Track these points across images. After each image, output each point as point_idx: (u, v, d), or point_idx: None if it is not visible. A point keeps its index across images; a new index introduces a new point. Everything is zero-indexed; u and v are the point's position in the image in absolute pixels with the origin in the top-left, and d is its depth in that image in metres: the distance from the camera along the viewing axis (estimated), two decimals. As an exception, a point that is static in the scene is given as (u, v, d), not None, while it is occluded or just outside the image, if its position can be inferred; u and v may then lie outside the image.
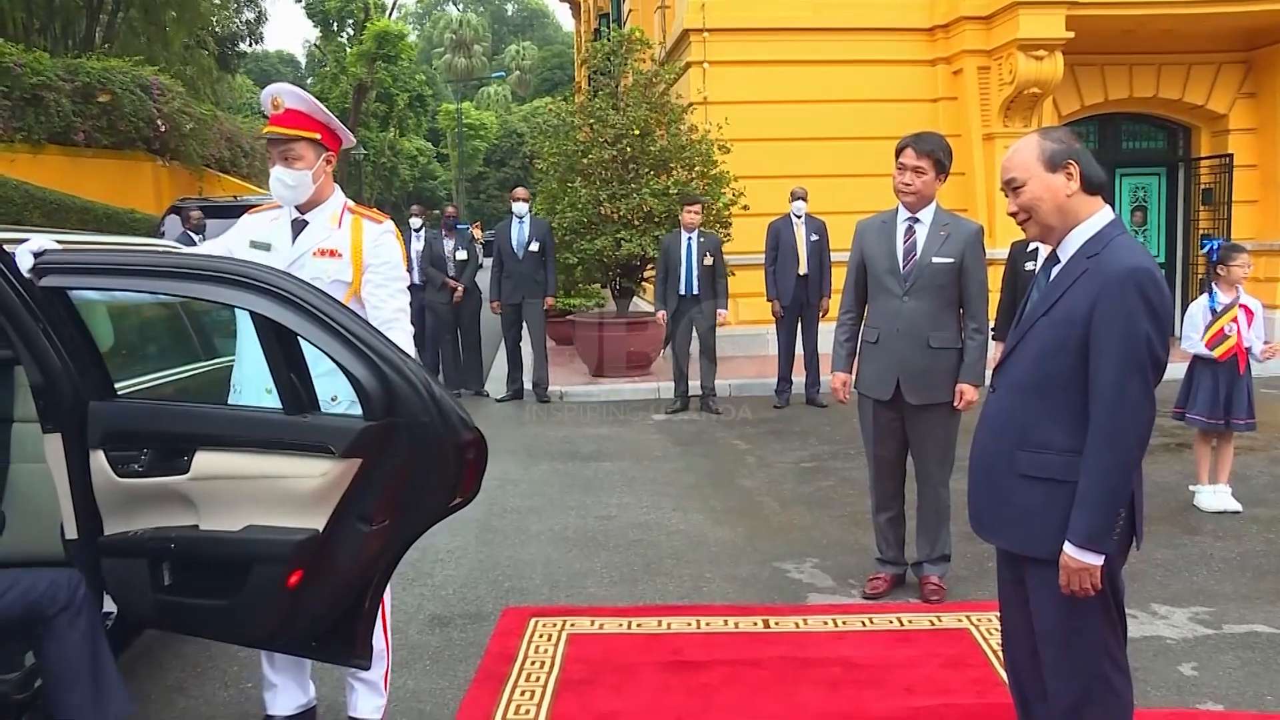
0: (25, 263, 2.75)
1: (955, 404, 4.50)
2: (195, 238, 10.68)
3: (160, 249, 3.13)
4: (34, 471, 3.43)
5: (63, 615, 2.60)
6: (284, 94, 3.17)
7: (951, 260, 4.46)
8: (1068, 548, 2.44)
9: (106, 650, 2.69)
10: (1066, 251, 2.55)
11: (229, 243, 3.32)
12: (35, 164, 14.49)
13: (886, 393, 4.54)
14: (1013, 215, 2.60)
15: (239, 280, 2.72)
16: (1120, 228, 2.53)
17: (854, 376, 4.78)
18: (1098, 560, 2.42)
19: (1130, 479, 2.44)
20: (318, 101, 3.25)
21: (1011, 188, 2.57)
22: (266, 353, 2.78)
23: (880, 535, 4.84)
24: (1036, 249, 4.97)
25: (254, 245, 3.24)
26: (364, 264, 3.23)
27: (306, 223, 3.25)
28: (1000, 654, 3.77)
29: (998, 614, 2.90)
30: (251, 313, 2.76)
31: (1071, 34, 11.82)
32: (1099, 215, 2.52)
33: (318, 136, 3.20)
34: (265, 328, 2.76)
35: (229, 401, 3.31)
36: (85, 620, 2.64)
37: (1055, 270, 2.58)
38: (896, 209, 4.60)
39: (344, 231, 3.25)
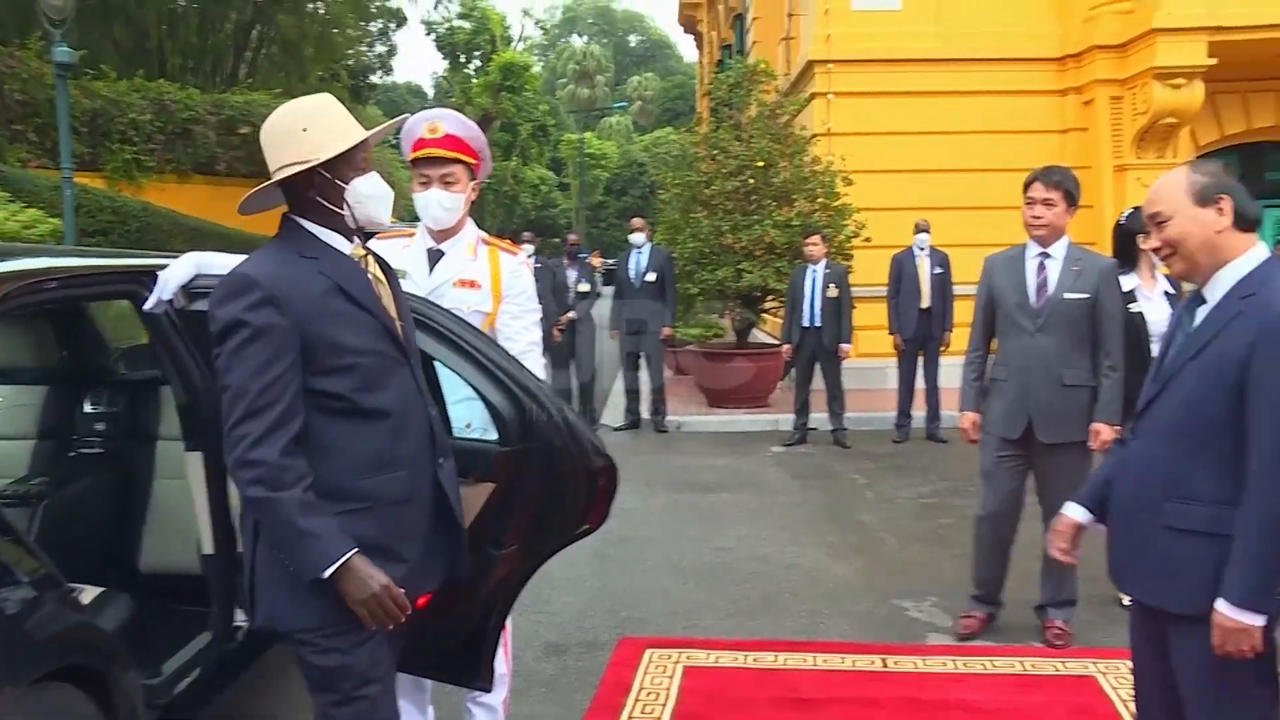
0: (169, 289, 2.80)
1: (1090, 443, 4.37)
2: None
3: None
4: (175, 488, 3.59)
5: None
6: (444, 118, 3.16)
7: (1086, 296, 4.36)
8: (1223, 607, 2.28)
9: None
10: (1216, 292, 2.41)
11: None
12: (181, 192, 15.28)
13: (1017, 431, 4.44)
14: (1155, 250, 2.49)
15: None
16: (1277, 266, 2.38)
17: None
18: (1258, 620, 2.26)
19: None
20: (477, 127, 3.25)
21: (1155, 222, 2.45)
22: None
23: (983, 574, 4.72)
24: (1134, 290, 4.80)
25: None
26: (502, 295, 3.24)
27: (442, 253, 3.24)
28: (1130, 705, 3.65)
29: (1128, 664, 2.78)
30: None
31: (1214, 60, 11.39)
32: (1252, 253, 2.39)
33: (474, 162, 3.21)
34: None
35: None
36: None
37: (1202, 311, 2.44)
38: (1025, 244, 4.52)
39: (481, 262, 3.25)
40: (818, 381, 9.58)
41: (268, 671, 3.62)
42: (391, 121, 2.74)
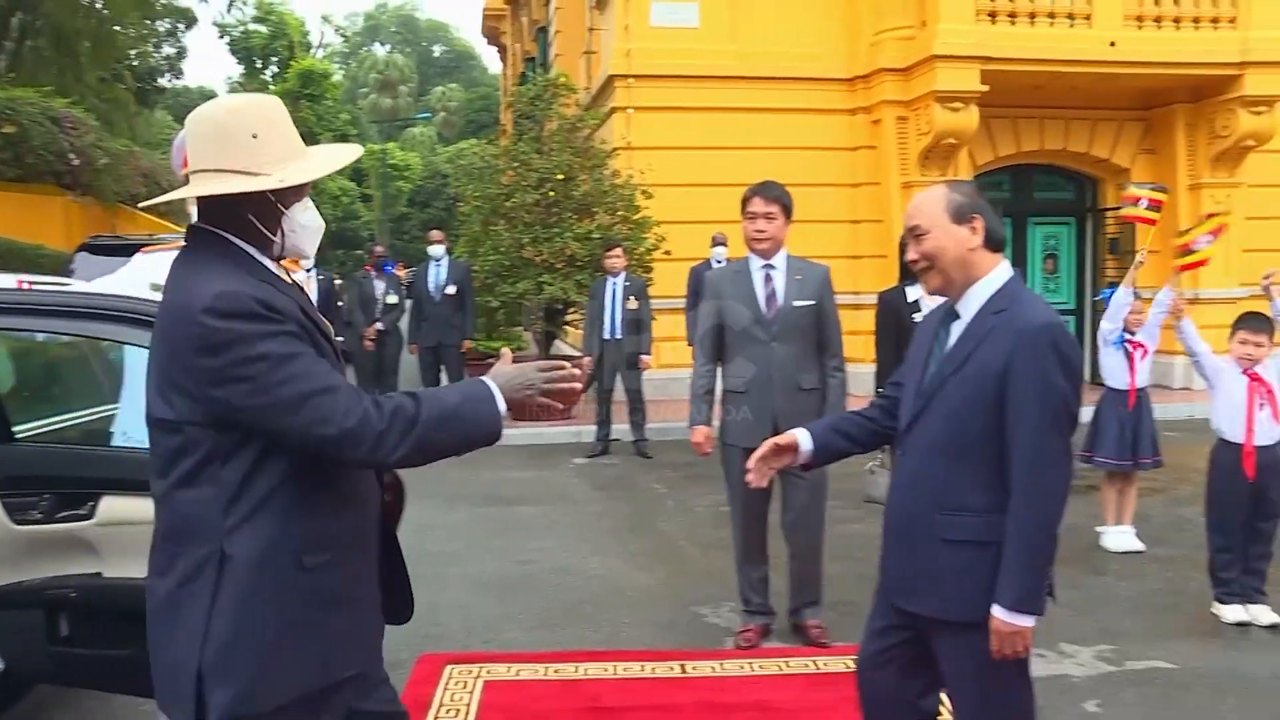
0: None
1: None
2: None
3: (64, 287, 3.02)
4: None
5: None
6: None
7: (812, 303, 4.59)
8: (999, 612, 2.36)
9: None
10: (969, 308, 2.52)
11: (124, 283, 3.20)
12: (-70, 196, 14.06)
13: (762, 439, 4.51)
14: (913, 262, 2.60)
15: (144, 319, 2.66)
16: (1021, 283, 2.53)
17: (717, 429, 4.78)
18: (1030, 622, 2.36)
19: (1055, 536, 2.40)
20: None
21: (914, 235, 2.56)
22: None
23: (750, 586, 4.83)
24: (918, 300, 5.05)
25: (156, 289, 3.12)
26: None
27: None
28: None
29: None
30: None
31: (986, 87, 12.19)
32: (999, 271, 2.52)
33: None
34: None
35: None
36: None
37: (958, 327, 2.54)
38: (746, 259, 4.69)
39: None
40: (619, 393, 9.68)
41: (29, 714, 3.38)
42: (346, 148, 2.32)
